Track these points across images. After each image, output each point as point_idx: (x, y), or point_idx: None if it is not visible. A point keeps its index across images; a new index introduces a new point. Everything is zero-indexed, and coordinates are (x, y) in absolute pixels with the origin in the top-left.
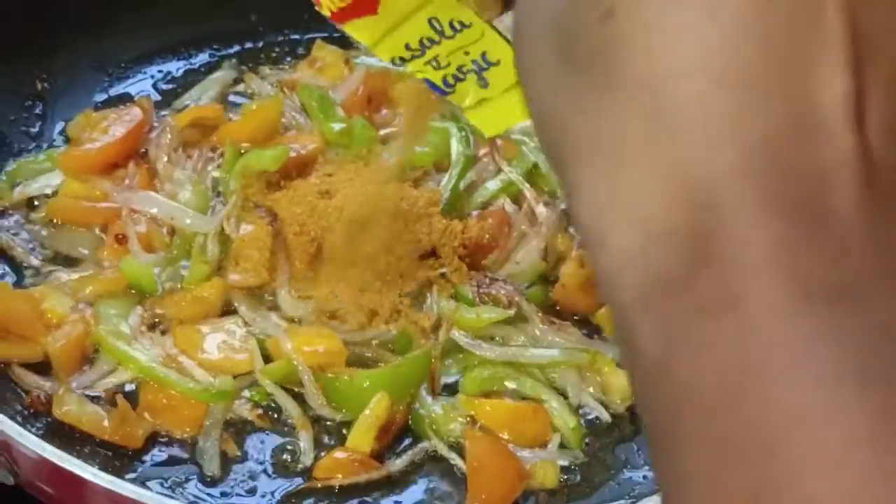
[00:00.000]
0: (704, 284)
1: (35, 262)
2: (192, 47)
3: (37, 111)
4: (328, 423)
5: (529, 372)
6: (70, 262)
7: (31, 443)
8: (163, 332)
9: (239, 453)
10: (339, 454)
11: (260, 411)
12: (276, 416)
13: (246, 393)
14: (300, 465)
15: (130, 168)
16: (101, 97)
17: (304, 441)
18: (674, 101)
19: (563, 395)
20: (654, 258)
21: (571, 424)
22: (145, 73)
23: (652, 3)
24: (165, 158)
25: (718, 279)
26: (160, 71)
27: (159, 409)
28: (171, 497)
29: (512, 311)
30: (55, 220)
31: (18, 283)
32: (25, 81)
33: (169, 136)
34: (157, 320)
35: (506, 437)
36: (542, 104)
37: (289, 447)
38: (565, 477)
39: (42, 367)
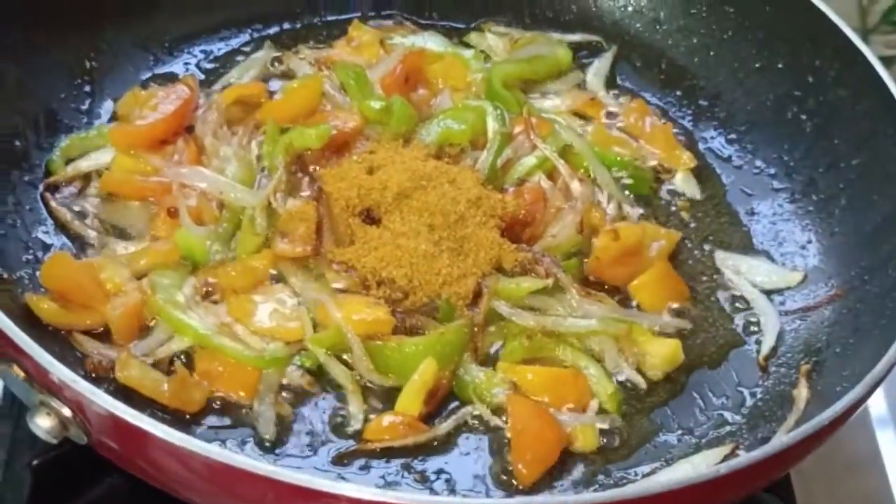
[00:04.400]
0: None
1: (90, 234)
2: (233, 28)
3: (86, 89)
4: (376, 388)
5: (568, 340)
6: (123, 234)
7: (104, 401)
8: (214, 302)
9: (293, 417)
10: (388, 418)
11: (310, 377)
12: (326, 381)
13: (296, 359)
14: (351, 429)
15: (179, 144)
16: (145, 75)
17: (354, 406)
18: None
19: (600, 362)
20: None
21: (609, 390)
22: (188, 52)
23: None
24: (212, 135)
25: None
26: (202, 51)
27: (215, 375)
28: None
29: (550, 282)
30: (108, 194)
31: (75, 255)
32: (74, 60)
33: (215, 113)
34: (209, 290)
35: (546, 401)
36: None
37: (340, 411)
38: (604, 440)
39: (101, 336)
